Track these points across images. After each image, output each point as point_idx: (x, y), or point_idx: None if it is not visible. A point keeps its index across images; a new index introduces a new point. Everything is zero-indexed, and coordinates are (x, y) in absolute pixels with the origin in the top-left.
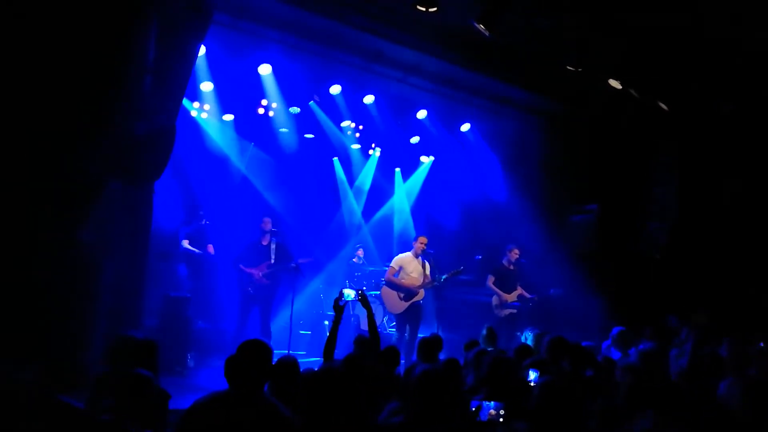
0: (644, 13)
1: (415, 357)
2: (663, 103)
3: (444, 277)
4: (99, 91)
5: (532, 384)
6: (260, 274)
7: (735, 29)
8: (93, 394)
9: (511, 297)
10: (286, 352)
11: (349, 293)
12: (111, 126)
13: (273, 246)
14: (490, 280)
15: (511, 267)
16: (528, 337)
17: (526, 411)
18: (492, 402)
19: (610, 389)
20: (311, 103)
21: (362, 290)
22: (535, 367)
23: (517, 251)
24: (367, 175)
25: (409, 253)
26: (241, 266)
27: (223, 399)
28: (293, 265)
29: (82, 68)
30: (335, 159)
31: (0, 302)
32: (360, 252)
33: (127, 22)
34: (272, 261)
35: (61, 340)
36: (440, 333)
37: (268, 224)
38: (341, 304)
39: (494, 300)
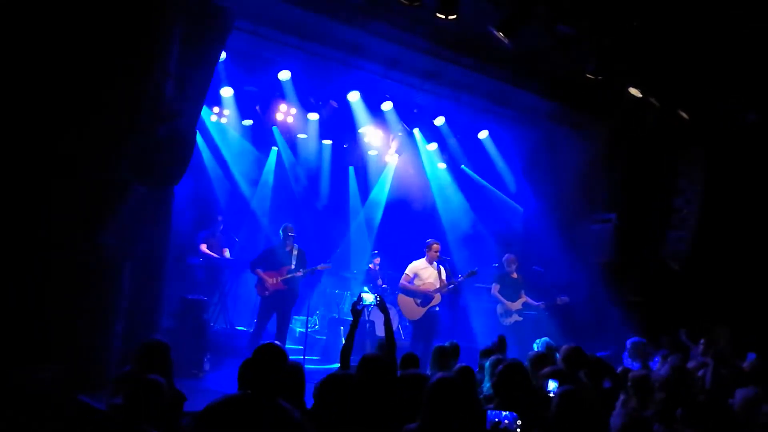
0: (665, 21)
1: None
2: (685, 111)
3: (459, 278)
4: (122, 95)
5: (551, 394)
6: (277, 279)
7: (760, 37)
8: (112, 394)
9: (515, 305)
10: (301, 357)
11: (368, 297)
12: (134, 130)
13: (295, 252)
14: (495, 288)
15: (515, 275)
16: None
17: (544, 421)
18: (508, 412)
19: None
20: (329, 108)
21: (380, 295)
22: (554, 377)
23: (514, 259)
24: (384, 182)
25: (422, 260)
26: (258, 270)
27: (238, 402)
28: (312, 269)
29: (105, 73)
30: (351, 168)
31: (21, 303)
32: (377, 260)
33: (149, 27)
34: (293, 266)
35: (80, 341)
36: (456, 341)
37: (291, 231)
38: (359, 308)
39: (499, 308)
